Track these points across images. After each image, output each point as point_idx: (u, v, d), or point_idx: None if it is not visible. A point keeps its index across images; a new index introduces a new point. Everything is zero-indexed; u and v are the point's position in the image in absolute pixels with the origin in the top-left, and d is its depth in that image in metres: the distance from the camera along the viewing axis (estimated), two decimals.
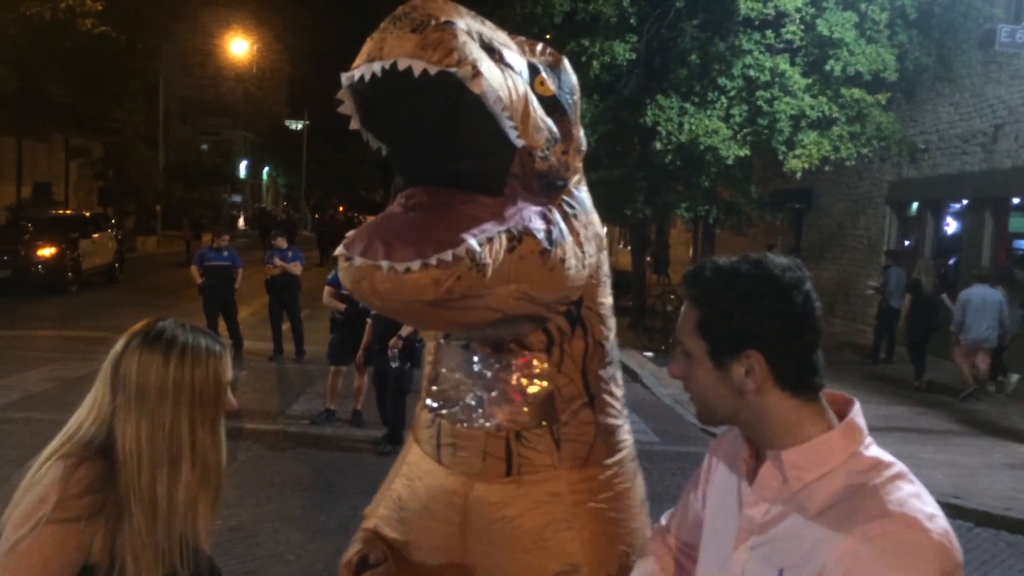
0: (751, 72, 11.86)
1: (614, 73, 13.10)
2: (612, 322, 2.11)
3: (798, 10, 11.63)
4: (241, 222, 49.96)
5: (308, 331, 11.49)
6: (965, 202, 14.01)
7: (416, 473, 2.11)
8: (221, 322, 11.43)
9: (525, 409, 1.96)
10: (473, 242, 1.56)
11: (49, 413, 7.33)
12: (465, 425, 1.98)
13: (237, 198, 54.25)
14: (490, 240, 1.61)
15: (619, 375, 2.15)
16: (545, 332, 1.94)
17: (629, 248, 20.14)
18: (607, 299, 2.08)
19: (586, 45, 12.39)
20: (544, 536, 1.96)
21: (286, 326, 11.42)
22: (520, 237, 1.69)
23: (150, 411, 1.62)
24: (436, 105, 1.55)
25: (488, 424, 1.96)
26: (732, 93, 12.07)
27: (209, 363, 1.68)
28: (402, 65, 1.47)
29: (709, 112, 12.07)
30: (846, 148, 11.84)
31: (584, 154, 2.05)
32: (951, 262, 14.54)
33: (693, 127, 11.82)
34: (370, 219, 1.70)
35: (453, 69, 1.47)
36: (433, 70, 1.46)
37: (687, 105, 12.23)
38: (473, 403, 1.98)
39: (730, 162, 12.13)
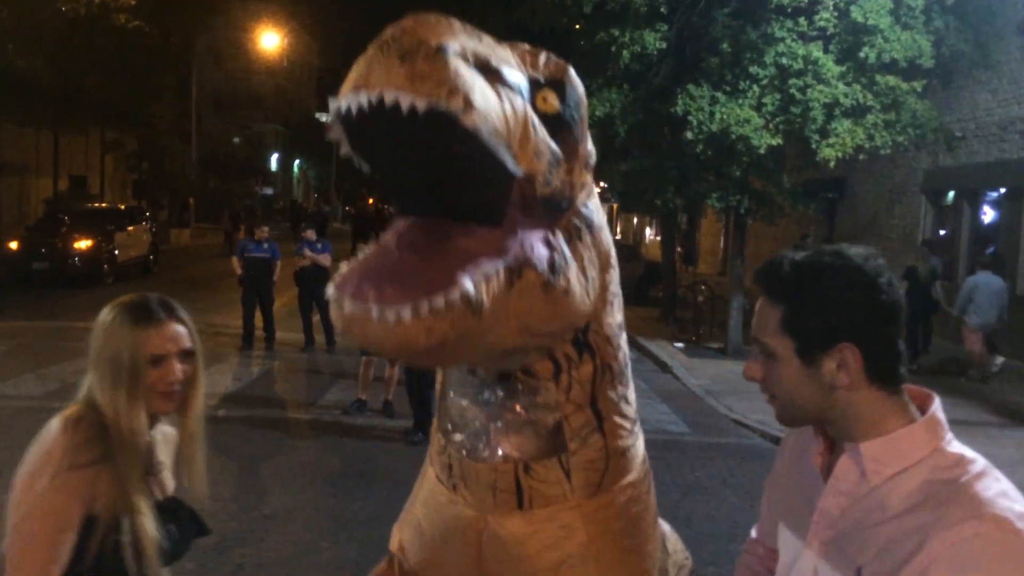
0: (783, 60, 11.71)
1: (644, 62, 13.01)
2: (622, 339, 2.00)
3: None
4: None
5: None
6: (1003, 190, 13.76)
7: (433, 502, 2.08)
8: (257, 313, 11.58)
9: (532, 439, 1.89)
10: (468, 285, 1.46)
11: None
12: (469, 455, 1.92)
13: (269, 191, 54.71)
14: (487, 278, 1.51)
15: (631, 392, 2.05)
16: (552, 360, 1.85)
17: (659, 238, 20.01)
18: (615, 318, 1.98)
19: (616, 35, 12.31)
20: (560, 573, 1.92)
21: (316, 317, 11.51)
22: (520, 271, 1.58)
23: (97, 372, 1.81)
24: (429, 136, 1.43)
25: (493, 455, 1.89)
26: (764, 82, 11.93)
27: (128, 334, 1.80)
28: (388, 98, 1.35)
29: (741, 101, 11.94)
30: (880, 136, 11.67)
31: (593, 167, 1.94)
32: (989, 251, 14.30)
33: (724, 116, 11.70)
34: (363, 255, 1.59)
35: (443, 105, 1.35)
36: (422, 104, 1.34)
37: (718, 94, 12.12)
38: (479, 430, 1.92)
39: (762, 151, 11.99)
